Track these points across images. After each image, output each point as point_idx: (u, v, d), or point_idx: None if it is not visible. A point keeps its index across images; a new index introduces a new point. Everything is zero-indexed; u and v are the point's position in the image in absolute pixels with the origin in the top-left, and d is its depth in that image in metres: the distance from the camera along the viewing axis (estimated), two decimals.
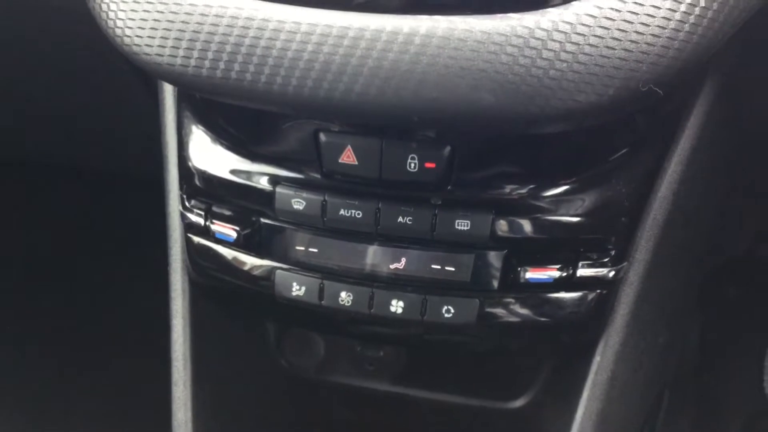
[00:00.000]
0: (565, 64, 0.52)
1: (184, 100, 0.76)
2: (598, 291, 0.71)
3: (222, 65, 0.57)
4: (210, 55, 0.56)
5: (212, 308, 0.82)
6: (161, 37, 0.57)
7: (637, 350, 0.75)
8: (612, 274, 0.70)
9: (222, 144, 0.73)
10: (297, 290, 0.73)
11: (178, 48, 0.57)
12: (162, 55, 0.57)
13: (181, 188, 0.77)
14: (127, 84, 0.91)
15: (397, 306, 0.71)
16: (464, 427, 0.95)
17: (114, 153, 1.24)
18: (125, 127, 1.12)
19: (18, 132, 1.23)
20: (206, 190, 0.75)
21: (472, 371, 0.91)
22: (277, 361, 0.92)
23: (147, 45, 0.58)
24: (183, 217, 0.77)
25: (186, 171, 0.76)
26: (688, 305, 0.98)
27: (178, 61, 0.57)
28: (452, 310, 0.70)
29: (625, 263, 0.71)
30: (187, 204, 0.76)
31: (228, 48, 0.56)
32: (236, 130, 0.73)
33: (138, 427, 1.58)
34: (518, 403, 0.88)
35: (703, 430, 1.45)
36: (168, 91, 0.79)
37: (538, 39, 0.52)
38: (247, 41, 0.56)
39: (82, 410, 1.64)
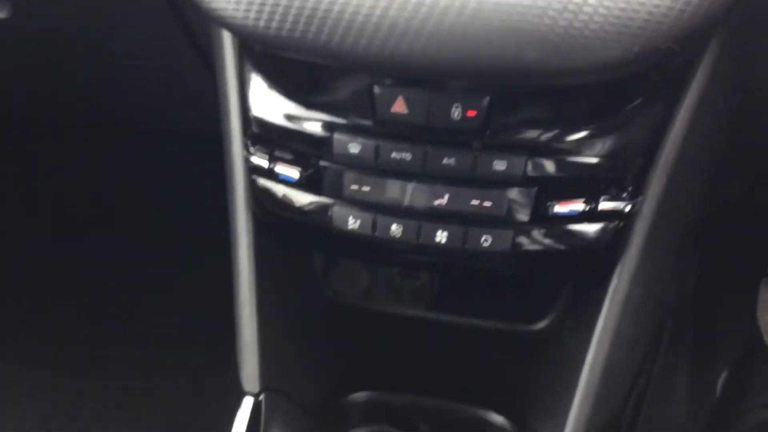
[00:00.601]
0: (597, 25, 0.62)
1: (245, 55, 0.85)
2: (617, 222, 0.81)
3: (299, 26, 0.66)
4: (290, 17, 0.66)
5: (270, 246, 0.92)
6: None
7: (648, 275, 0.85)
8: (629, 207, 0.81)
9: (283, 95, 0.83)
10: (352, 223, 0.83)
11: (251, 4, 0.66)
12: (237, 11, 0.67)
13: (245, 135, 0.87)
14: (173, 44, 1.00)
15: (441, 236, 0.81)
16: (491, 349, 1.06)
17: (158, 111, 1.33)
18: (169, 84, 1.20)
19: (66, 91, 1.31)
20: (269, 137, 0.84)
21: (499, 298, 1.02)
22: (324, 290, 1.03)
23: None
24: (247, 161, 0.87)
25: (249, 120, 0.86)
26: (689, 242, 1.09)
27: (252, 16, 0.67)
28: (489, 240, 0.81)
29: (640, 198, 0.81)
30: (251, 149, 0.86)
31: (304, 9, 0.65)
32: (296, 82, 0.82)
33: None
34: (541, 324, 1.00)
35: (700, 360, 1.56)
36: (228, 47, 0.88)
37: (575, 3, 0.62)
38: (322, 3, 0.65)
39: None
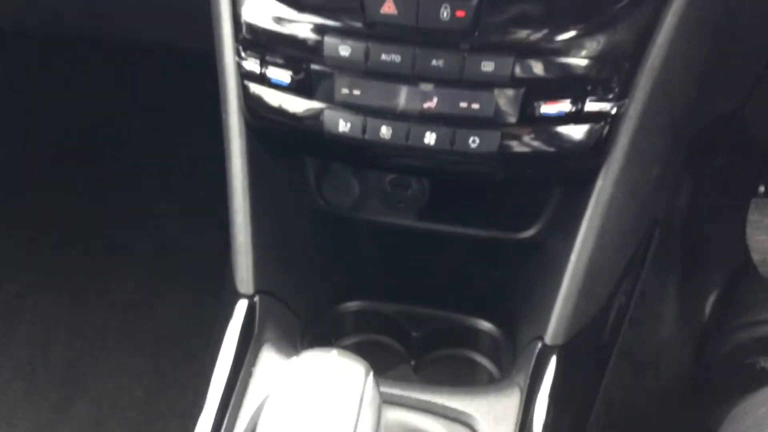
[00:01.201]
0: None
1: None
2: (602, 124, 0.83)
3: None
4: None
5: (263, 148, 0.94)
6: None
7: (633, 178, 0.87)
8: (615, 109, 0.82)
9: None
10: (343, 127, 0.84)
11: None
12: None
13: (236, 40, 0.88)
14: None
15: (430, 138, 0.83)
16: (481, 258, 1.09)
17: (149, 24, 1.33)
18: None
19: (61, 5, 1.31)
20: (260, 41, 0.85)
21: (488, 207, 1.04)
22: (317, 199, 1.05)
23: None
24: (239, 66, 0.88)
25: (240, 25, 0.86)
26: (680, 156, 1.10)
27: None
28: (477, 141, 0.82)
29: (626, 100, 0.82)
30: (242, 54, 0.87)
31: None
32: None
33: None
34: (529, 232, 1.02)
35: (688, 283, 1.59)
36: None
37: None
38: None
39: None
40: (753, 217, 1.55)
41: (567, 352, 0.87)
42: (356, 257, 1.10)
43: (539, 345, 0.88)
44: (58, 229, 1.84)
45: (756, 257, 1.54)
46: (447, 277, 1.11)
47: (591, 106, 0.81)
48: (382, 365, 1.06)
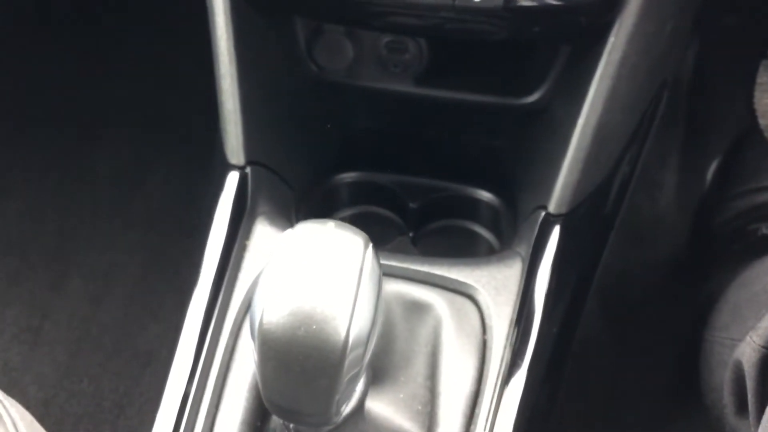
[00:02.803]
0: None
1: None
2: None
3: None
4: None
5: (248, 13, 0.87)
6: None
7: (647, 34, 0.81)
8: None
9: None
10: None
11: None
12: None
13: None
14: None
15: None
16: (482, 126, 1.04)
17: None
18: None
19: None
20: None
21: (490, 71, 0.98)
22: (308, 64, 0.98)
23: None
24: None
25: None
26: (689, 13, 1.03)
27: None
28: None
29: None
30: None
31: None
32: None
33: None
34: (534, 96, 0.96)
35: (690, 148, 1.55)
36: None
37: None
38: None
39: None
40: (762, 79, 1.49)
41: (570, 220, 0.84)
42: (351, 126, 1.05)
43: (542, 214, 0.84)
44: (43, 100, 1.77)
45: (762, 122, 1.49)
46: (446, 146, 1.06)
47: None
48: (380, 237, 1.03)
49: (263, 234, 0.85)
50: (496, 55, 0.96)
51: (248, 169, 0.88)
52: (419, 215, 1.05)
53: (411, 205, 1.05)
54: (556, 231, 0.84)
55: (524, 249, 0.84)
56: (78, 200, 1.68)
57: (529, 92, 0.96)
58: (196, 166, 1.09)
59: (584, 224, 0.87)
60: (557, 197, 0.84)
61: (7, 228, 1.63)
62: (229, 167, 0.88)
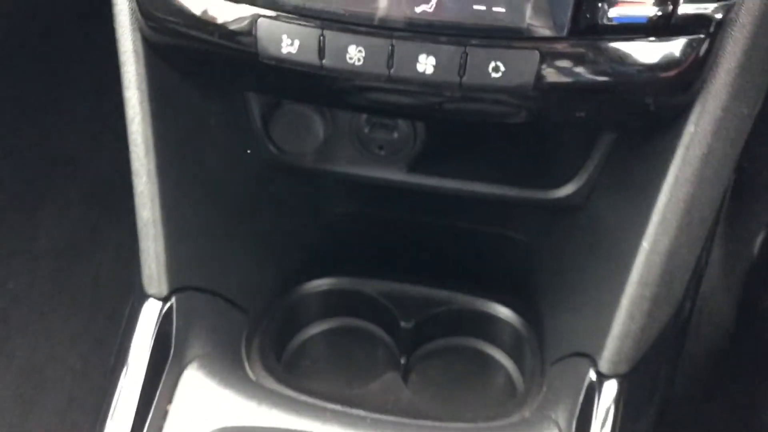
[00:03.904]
0: None
1: None
2: (701, 37, 0.52)
3: None
4: None
5: (175, 76, 0.63)
6: None
7: (738, 117, 0.57)
8: (721, 13, 0.52)
9: None
10: (288, 46, 0.54)
11: None
12: None
13: None
14: None
15: (426, 63, 0.53)
16: (495, 222, 0.79)
17: None
18: None
19: None
20: None
21: (505, 153, 0.74)
22: (265, 146, 0.74)
23: None
24: None
25: None
26: None
27: None
28: (502, 68, 0.52)
29: None
30: None
31: None
32: None
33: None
34: (565, 190, 0.72)
35: (736, 220, 1.36)
36: None
37: None
38: None
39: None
40: None
41: (632, 381, 0.59)
42: (323, 221, 0.80)
43: (589, 371, 0.60)
44: None
45: None
46: (448, 243, 0.82)
47: (686, 8, 0.51)
48: (360, 366, 0.79)
49: (191, 394, 0.61)
50: (515, 135, 0.72)
51: (173, 300, 0.63)
52: (414, 336, 0.80)
53: (403, 324, 0.80)
54: (610, 397, 0.59)
55: (563, 417, 0.60)
56: (14, 275, 1.43)
57: (559, 184, 0.72)
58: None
59: (647, 383, 0.62)
60: (612, 350, 0.59)
61: None
62: (145, 297, 0.64)
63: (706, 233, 0.65)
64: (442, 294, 0.81)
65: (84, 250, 1.48)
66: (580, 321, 0.65)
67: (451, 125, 0.73)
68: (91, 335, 1.39)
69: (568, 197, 0.73)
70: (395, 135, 0.74)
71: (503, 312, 0.79)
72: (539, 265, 0.77)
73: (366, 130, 0.74)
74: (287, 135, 0.75)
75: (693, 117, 0.56)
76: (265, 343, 0.75)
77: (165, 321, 0.63)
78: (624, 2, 0.50)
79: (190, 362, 0.63)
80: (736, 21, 0.53)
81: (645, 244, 0.57)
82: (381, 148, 0.75)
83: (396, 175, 0.76)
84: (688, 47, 0.52)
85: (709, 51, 0.53)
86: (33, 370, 1.35)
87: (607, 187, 0.69)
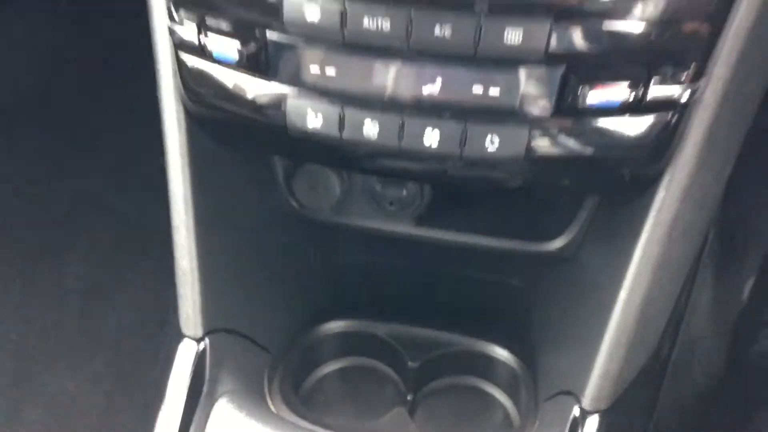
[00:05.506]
0: None
1: None
2: (669, 115, 0.60)
3: None
4: None
5: (211, 142, 0.71)
6: None
7: (704, 185, 0.65)
8: (688, 93, 0.59)
9: None
10: (313, 121, 0.62)
11: None
12: None
13: None
14: None
15: (431, 138, 0.61)
16: (495, 271, 0.87)
17: None
18: None
19: None
20: None
21: (503, 210, 0.82)
22: (287, 201, 0.82)
23: None
24: (171, 32, 0.65)
25: None
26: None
27: None
28: (497, 142, 0.60)
29: (702, 80, 0.60)
30: (174, 15, 0.64)
31: None
32: None
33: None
34: (557, 243, 0.80)
35: (725, 266, 1.39)
36: None
37: None
38: None
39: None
40: None
41: (611, 417, 0.66)
42: (338, 268, 0.88)
43: (574, 408, 0.67)
44: (4, 206, 1.63)
45: None
46: (452, 293, 0.89)
47: (656, 90, 0.59)
48: (371, 402, 0.85)
49: (221, 426, 0.68)
50: (511, 195, 0.80)
51: (206, 341, 0.71)
52: (420, 375, 0.88)
53: (410, 363, 0.87)
54: (592, 431, 0.66)
55: None
56: (43, 313, 1.50)
57: (552, 237, 0.80)
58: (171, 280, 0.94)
59: (625, 418, 0.69)
60: (593, 389, 0.66)
61: None
62: (182, 337, 0.71)
63: (680, 285, 0.72)
64: (446, 336, 0.89)
65: (109, 290, 1.54)
66: (567, 361, 0.72)
67: (455, 186, 0.81)
68: (114, 373, 1.45)
69: (558, 249, 0.80)
70: (404, 192, 0.82)
71: (501, 353, 0.86)
72: (533, 309, 0.84)
73: (378, 188, 0.82)
74: (307, 192, 0.83)
75: (663, 184, 0.63)
76: (284, 380, 0.82)
77: (200, 359, 0.71)
78: (599, 87, 0.58)
79: (220, 396, 0.70)
80: (700, 101, 0.61)
81: (622, 295, 0.65)
82: (391, 204, 0.83)
83: (405, 228, 0.84)
84: (658, 124, 0.60)
85: (676, 127, 0.61)
86: (59, 405, 1.40)
87: (593, 242, 0.76)
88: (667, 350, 0.77)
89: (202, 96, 0.66)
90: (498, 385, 0.87)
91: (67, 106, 1.72)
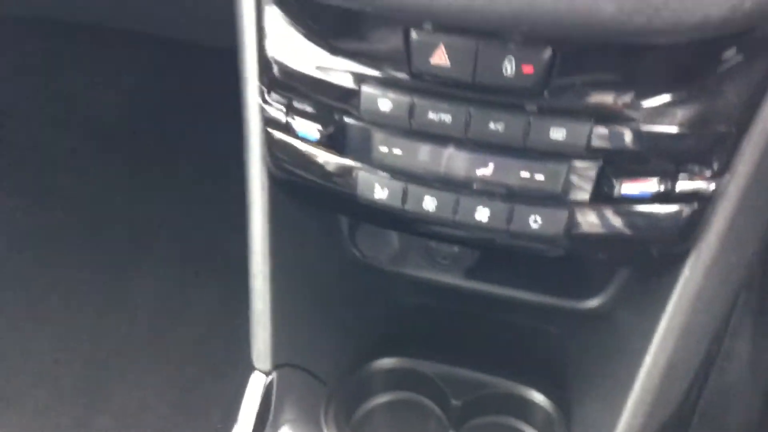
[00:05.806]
0: None
1: None
2: (695, 205, 0.68)
3: None
4: None
5: (288, 202, 0.81)
6: None
7: (727, 265, 0.72)
8: (713, 187, 0.67)
9: (305, 36, 0.70)
10: (380, 193, 0.71)
11: None
12: None
13: (260, 80, 0.74)
14: None
15: (482, 214, 0.69)
16: (536, 322, 0.95)
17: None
18: None
19: None
20: (287, 83, 0.72)
21: (546, 270, 0.90)
22: (351, 251, 0.92)
23: None
24: (262, 110, 0.75)
25: (265, 61, 0.73)
26: None
27: None
28: (539, 221, 0.68)
29: (726, 175, 0.67)
30: (266, 97, 0.74)
31: None
32: (321, 21, 0.69)
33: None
34: (593, 302, 0.88)
35: (764, 323, 1.43)
36: None
37: None
38: None
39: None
40: None
41: None
42: (393, 313, 0.97)
43: None
44: (83, 225, 1.76)
45: None
46: (496, 340, 0.97)
47: (684, 185, 0.66)
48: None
49: None
50: (553, 257, 0.88)
51: (274, 374, 0.81)
52: (462, 412, 0.96)
53: (454, 402, 0.96)
54: None
55: None
56: (114, 327, 1.62)
57: (588, 297, 0.88)
58: (241, 298, 1.03)
59: None
60: None
61: (41, 355, 1.59)
62: (253, 370, 0.81)
63: (708, 344, 0.80)
64: (487, 378, 0.97)
65: (174, 309, 1.65)
66: (597, 411, 0.80)
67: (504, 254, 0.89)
68: (178, 386, 1.55)
69: (594, 308, 0.88)
70: (456, 249, 0.91)
71: (537, 397, 0.94)
72: (569, 357, 0.92)
73: (432, 245, 0.92)
74: (369, 244, 0.92)
75: (689, 263, 0.71)
76: (339, 411, 0.91)
77: (267, 390, 0.81)
78: (632, 181, 0.66)
79: (283, 424, 0.80)
80: (724, 193, 0.69)
81: (647, 359, 0.73)
82: (444, 258, 0.92)
83: (455, 280, 0.93)
84: (684, 212, 0.68)
85: (701, 215, 0.69)
86: (127, 415, 1.52)
87: (625, 304, 0.84)
88: (694, 400, 0.84)
89: (285, 164, 0.76)
90: (533, 425, 0.95)
91: (151, 136, 1.84)
